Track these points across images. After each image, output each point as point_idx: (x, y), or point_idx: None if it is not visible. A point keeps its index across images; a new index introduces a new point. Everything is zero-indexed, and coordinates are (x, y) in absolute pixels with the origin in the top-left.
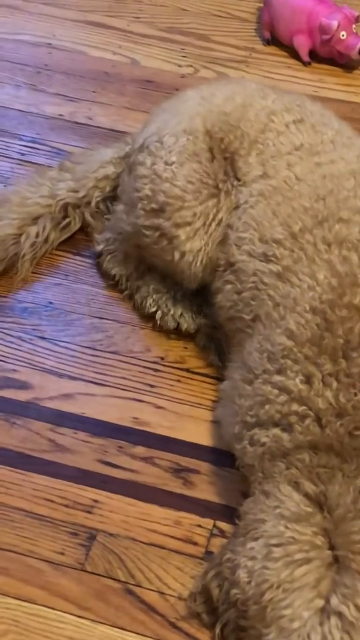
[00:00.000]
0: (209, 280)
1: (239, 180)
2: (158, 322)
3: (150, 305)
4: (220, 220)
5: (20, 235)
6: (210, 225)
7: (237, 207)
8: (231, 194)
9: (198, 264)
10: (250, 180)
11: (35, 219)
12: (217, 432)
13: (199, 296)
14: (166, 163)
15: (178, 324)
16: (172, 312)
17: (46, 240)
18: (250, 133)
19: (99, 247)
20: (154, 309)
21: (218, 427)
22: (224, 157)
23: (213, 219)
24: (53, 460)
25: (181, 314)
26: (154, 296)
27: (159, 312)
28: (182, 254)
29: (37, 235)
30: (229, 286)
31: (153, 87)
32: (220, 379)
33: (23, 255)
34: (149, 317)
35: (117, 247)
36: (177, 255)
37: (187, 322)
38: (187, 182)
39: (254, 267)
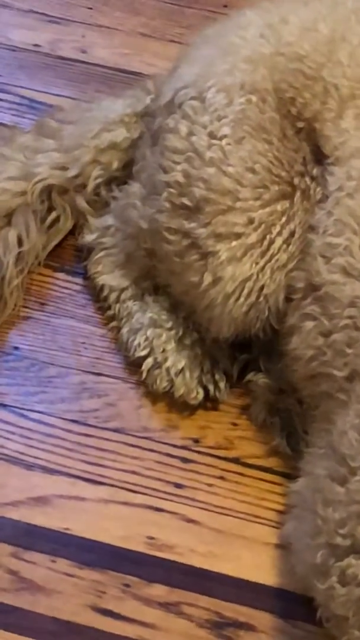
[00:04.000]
0: (254, 328)
1: (326, 157)
2: (143, 374)
3: (139, 345)
4: (292, 235)
5: None
6: (273, 242)
7: (322, 200)
8: (310, 191)
9: (241, 300)
10: (346, 155)
11: (6, 217)
12: (284, 563)
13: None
14: (212, 135)
15: (172, 385)
16: (168, 363)
17: (33, 248)
18: (341, 84)
19: (91, 237)
20: (143, 353)
21: (287, 555)
22: (296, 129)
23: (279, 233)
24: (16, 605)
25: (182, 371)
26: (149, 332)
27: (149, 360)
28: (217, 280)
29: (20, 243)
30: (309, 323)
31: (187, 2)
32: (290, 475)
33: (9, 280)
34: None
35: (117, 243)
36: (207, 279)
37: (189, 386)
38: (246, 169)
39: (352, 292)
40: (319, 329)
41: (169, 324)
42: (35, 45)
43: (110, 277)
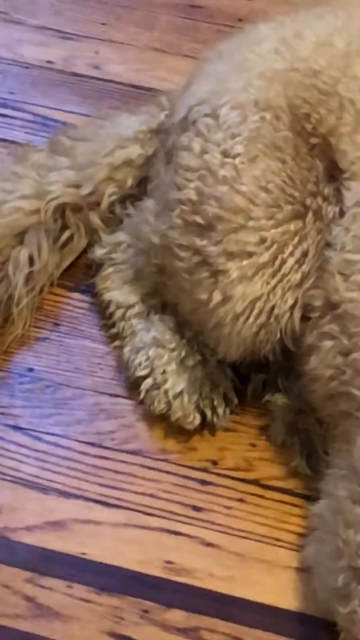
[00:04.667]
0: (264, 350)
1: (343, 172)
2: (141, 394)
3: (140, 364)
4: (304, 255)
5: (2, 264)
6: (285, 262)
7: (337, 216)
8: (322, 211)
9: (251, 320)
10: None
11: (19, 236)
12: (306, 587)
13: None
14: (226, 154)
15: (170, 407)
16: (167, 385)
17: (45, 268)
18: (357, 99)
19: (101, 252)
20: (143, 372)
21: (308, 578)
22: (310, 145)
23: (291, 253)
24: (31, 631)
25: (180, 394)
26: (151, 352)
27: (149, 381)
28: (227, 299)
29: (31, 262)
30: (329, 343)
31: (202, 16)
32: (310, 497)
33: (17, 299)
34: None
35: (128, 259)
36: (217, 298)
37: (186, 410)
38: (259, 188)
39: None
40: (338, 348)
41: (172, 345)
42: (49, 62)
43: (118, 293)
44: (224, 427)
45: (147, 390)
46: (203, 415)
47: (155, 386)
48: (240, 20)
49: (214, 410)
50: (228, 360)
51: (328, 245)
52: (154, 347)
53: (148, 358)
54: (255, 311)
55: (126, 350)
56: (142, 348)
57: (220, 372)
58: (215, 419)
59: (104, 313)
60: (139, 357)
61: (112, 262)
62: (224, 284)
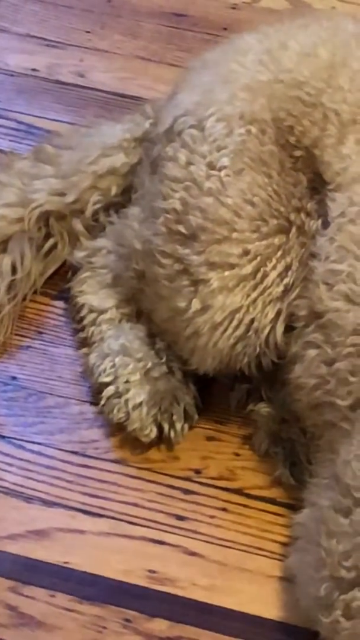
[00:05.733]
0: (240, 364)
1: (327, 183)
2: (102, 401)
3: (104, 371)
4: (287, 269)
5: None
6: (267, 275)
7: (324, 226)
8: (305, 227)
9: (229, 331)
10: (348, 180)
11: (2, 244)
12: (288, 596)
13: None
14: (211, 166)
15: (128, 418)
16: (128, 395)
17: (28, 276)
18: (341, 110)
19: (80, 255)
20: (106, 379)
21: (291, 588)
22: (294, 158)
23: (274, 267)
24: None
25: (140, 405)
26: (117, 359)
27: (111, 388)
28: (206, 308)
29: (13, 270)
30: (313, 352)
31: (187, 25)
32: (294, 506)
33: None
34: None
35: (107, 264)
36: (195, 306)
37: (144, 422)
38: (245, 201)
39: (355, 319)
40: (322, 357)
41: (139, 355)
42: (33, 69)
43: (93, 297)
44: (179, 442)
45: (108, 398)
46: (160, 429)
47: (117, 394)
48: (225, 29)
49: (172, 424)
50: (201, 372)
51: (313, 255)
52: (121, 355)
53: (114, 365)
54: (234, 322)
55: (93, 355)
56: (108, 355)
57: (183, 388)
58: (172, 434)
59: (74, 317)
60: (105, 364)
61: (91, 266)
62: (203, 293)
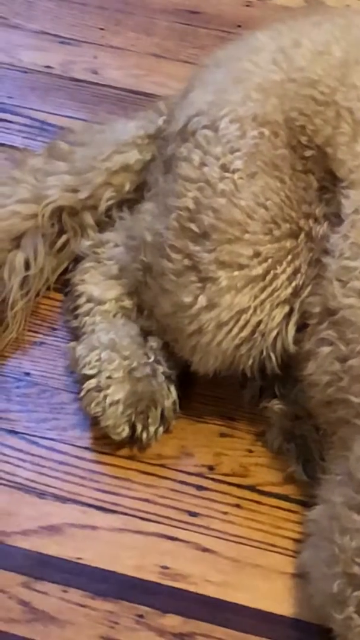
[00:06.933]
0: (244, 365)
1: (340, 180)
2: (82, 392)
3: (89, 363)
4: (295, 272)
5: None
6: (276, 277)
7: (336, 222)
8: (313, 232)
9: (234, 331)
10: None
11: (15, 240)
12: (301, 593)
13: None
14: (225, 168)
15: (104, 413)
16: (108, 391)
17: (41, 272)
18: (355, 108)
19: (85, 244)
20: (90, 372)
21: (303, 584)
22: (304, 159)
23: (283, 270)
24: (26, 636)
25: (116, 403)
26: (104, 354)
27: (93, 381)
28: (212, 306)
29: (27, 266)
30: (326, 349)
31: (200, 22)
32: (307, 503)
33: (12, 303)
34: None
35: (115, 255)
36: (202, 302)
37: (117, 421)
38: (258, 204)
39: None
40: (336, 354)
41: (127, 353)
42: (47, 66)
43: (94, 287)
44: (150, 444)
45: (88, 390)
46: (134, 429)
47: (97, 388)
48: (238, 26)
49: (145, 427)
50: (202, 372)
51: (326, 252)
52: (108, 349)
53: (99, 359)
54: (241, 323)
55: (80, 347)
56: (96, 347)
57: (164, 392)
58: (144, 436)
59: (69, 306)
60: (91, 356)
61: (96, 257)
62: (211, 291)
